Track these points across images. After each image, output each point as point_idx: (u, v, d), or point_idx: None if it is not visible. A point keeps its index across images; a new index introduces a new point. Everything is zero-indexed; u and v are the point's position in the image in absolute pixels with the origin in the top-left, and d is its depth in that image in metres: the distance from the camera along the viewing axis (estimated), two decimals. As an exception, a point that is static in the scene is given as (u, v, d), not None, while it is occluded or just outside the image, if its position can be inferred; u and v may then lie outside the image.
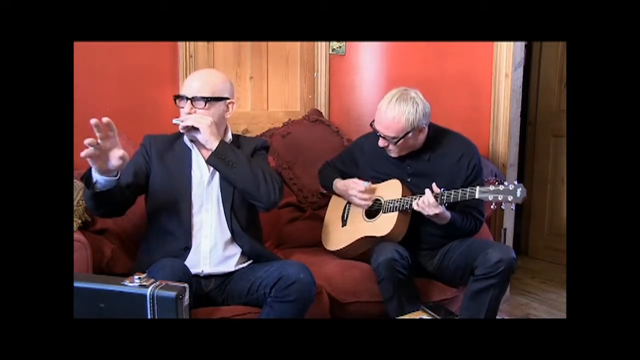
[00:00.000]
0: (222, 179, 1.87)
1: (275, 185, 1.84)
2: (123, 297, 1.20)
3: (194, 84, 1.85)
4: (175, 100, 1.88)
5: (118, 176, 1.62)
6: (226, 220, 1.87)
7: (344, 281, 2.07)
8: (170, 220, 1.84)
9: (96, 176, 1.59)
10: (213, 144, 1.81)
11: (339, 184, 2.29)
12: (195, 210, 1.86)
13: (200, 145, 1.89)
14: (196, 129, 1.82)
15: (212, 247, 1.85)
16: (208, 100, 1.83)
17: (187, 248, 1.82)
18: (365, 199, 2.16)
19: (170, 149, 1.92)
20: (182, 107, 1.86)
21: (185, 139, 1.92)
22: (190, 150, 1.91)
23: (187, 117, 1.83)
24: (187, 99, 1.83)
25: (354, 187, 2.19)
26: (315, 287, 1.78)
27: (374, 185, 2.20)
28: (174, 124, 1.85)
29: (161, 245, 1.83)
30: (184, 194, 1.86)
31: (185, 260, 1.80)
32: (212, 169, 1.87)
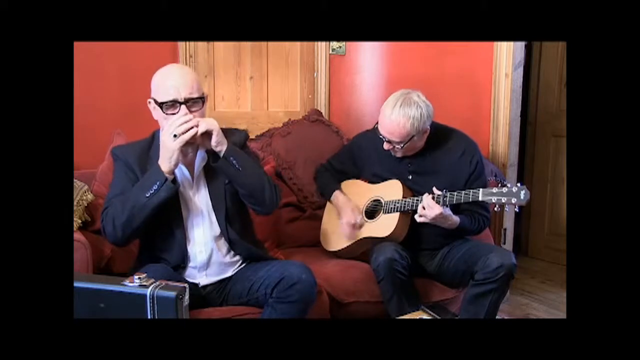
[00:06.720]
0: (212, 188, 1.77)
1: (276, 189, 1.80)
2: (123, 297, 1.20)
3: (181, 83, 1.64)
4: (162, 107, 1.64)
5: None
6: (222, 231, 1.78)
7: (344, 281, 2.07)
8: (163, 241, 1.75)
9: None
10: (223, 147, 1.67)
11: (340, 199, 2.26)
12: (188, 225, 1.75)
13: (182, 154, 1.66)
14: (205, 135, 1.63)
15: (207, 261, 1.78)
16: (203, 99, 1.69)
17: (183, 267, 1.76)
18: (350, 232, 2.17)
19: (147, 159, 1.74)
20: (174, 113, 1.64)
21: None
22: None
23: (195, 120, 1.61)
24: (180, 103, 1.63)
25: (346, 217, 2.17)
26: (316, 288, 1.77)
27: (372, 185, 2.20)
28: (182, 133, 1.58)
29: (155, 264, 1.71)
30: (172, 209, 1.71)
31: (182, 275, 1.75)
32: (196, 180, 1.76)
